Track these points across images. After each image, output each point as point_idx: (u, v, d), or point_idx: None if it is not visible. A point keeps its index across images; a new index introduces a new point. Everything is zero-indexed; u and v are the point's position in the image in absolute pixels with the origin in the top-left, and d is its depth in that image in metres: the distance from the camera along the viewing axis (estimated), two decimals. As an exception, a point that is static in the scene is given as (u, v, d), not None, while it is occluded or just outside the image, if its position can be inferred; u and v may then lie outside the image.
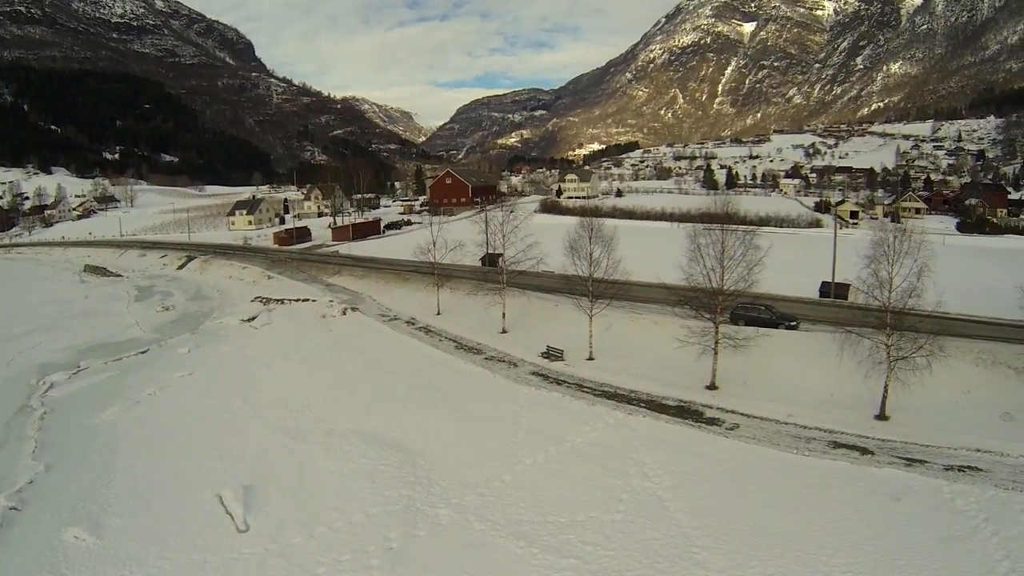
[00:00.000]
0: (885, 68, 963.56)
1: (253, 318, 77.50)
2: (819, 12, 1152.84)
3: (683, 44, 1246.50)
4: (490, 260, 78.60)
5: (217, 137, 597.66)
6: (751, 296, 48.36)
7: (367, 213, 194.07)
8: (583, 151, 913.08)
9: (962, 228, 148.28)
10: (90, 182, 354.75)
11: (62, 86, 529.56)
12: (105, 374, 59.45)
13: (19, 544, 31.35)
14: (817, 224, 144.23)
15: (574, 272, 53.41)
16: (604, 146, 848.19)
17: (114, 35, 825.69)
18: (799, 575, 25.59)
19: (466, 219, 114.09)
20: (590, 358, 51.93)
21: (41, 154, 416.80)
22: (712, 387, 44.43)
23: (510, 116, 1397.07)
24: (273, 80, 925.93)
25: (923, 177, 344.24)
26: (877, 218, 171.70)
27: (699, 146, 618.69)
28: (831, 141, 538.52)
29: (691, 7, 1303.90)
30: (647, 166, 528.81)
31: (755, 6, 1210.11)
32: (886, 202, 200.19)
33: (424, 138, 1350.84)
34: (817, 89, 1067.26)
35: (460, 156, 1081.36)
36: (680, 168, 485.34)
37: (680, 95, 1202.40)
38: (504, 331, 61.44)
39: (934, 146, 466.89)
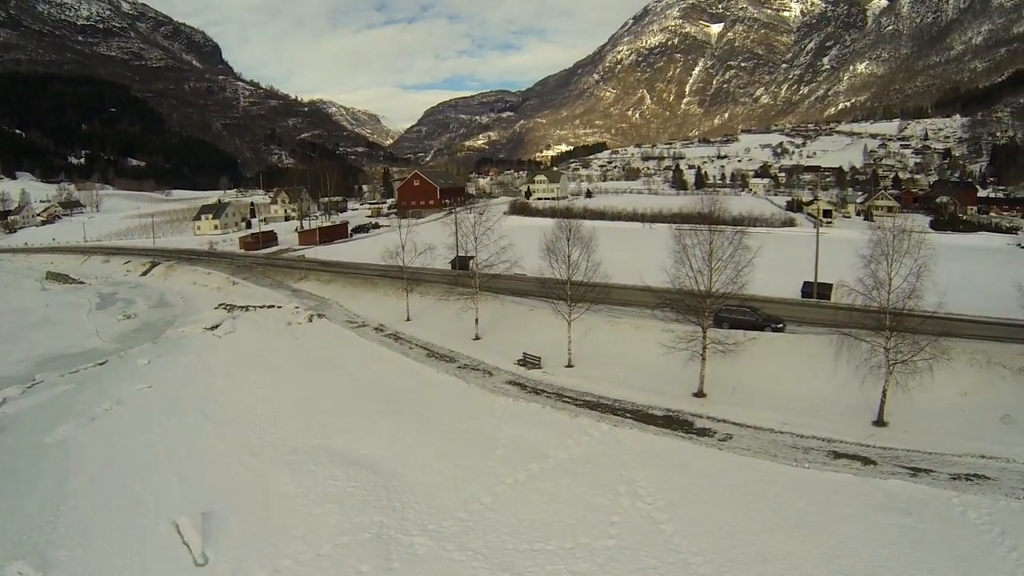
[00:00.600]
0: (852, 68, 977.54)
1: (216, 326, 74.88)
2: (786, 13, 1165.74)
3: (650, 45, 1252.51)
4: (461, 263, 76.43)
5: (184, 141, 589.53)
6: (738, 298, 46.44)
7: (334, 216, 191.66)
8: (551, 152, 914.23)
9: (936, 226, 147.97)
10: (55, 187, 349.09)
11: (27, 89, 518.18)
12: (61, 388, 56.29)
13: (-48, 584, 28.43)
14: (791, 223, 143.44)
15: (551, 275, 51.29)
16: (572, 147, 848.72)
17: (79, 38, 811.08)
18: (812, 606, 23.66)
19: (436, 221, 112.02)
20: (569, 365, 49.83)
21: (5, 159, 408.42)
22: (700, 394, 42.60)
23: (477, 118, 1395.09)
24: (240, 83, 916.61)
25: (891, 175, 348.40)
26: (850, 217, 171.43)
27: (667, 146, 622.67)
28: (799, 140, 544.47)
29: (658, 8, 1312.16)
30: (615, 167, 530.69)
31: (722, 7, 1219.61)
32: (858, 200, 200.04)
33: (392, 141, 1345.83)
34: (784, 89, 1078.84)
35: (428, 159, 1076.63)
36: (648, 168, 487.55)
37: (648, 96, 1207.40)
38: (477, 337, 59.29)
39: (901, 145, 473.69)
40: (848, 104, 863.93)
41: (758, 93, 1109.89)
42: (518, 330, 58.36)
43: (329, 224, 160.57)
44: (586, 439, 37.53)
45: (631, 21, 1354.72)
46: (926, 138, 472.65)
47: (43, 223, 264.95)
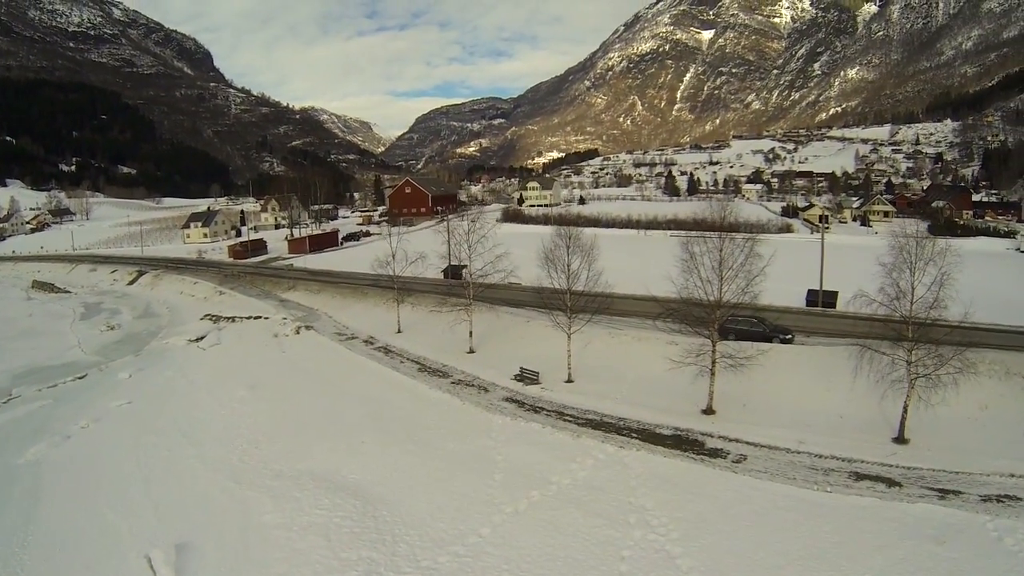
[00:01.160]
0: (842, 74, 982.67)
1: (201, 338, 73.10)
2: (777, 20, 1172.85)
3: (642, 52, 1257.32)
4: (453, 272, 74.32)
5: (175, 148, 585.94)
6: (745, 308, 44.15)
7: (325, 224, 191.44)
8: (542, 159, 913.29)
9: (933, 231, 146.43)
10: (45, 194, 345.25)
11: (17, 96, 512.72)
12: (37, 403, 54.31)
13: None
14: (788, 229, 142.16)
15: (549, 285, 49.02)
16: (563, 154, 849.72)
17: (71, 44, 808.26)
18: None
19: (427, 229, 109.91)
20: (569, 380, 47.46)
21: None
22: (709, 411, 40.36)
23: (469, 125, 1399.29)
24: (232, 90, 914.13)
25: (884, 180, 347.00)
26: (846, 222, 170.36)
27: (659, 153, 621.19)
28: (790, 146, 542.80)
29: (649, 15, 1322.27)
30: (607, 173, 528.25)
31: (713, 14, 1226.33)
32: (855, 206, 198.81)
33: (383, 148, 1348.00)
34: (775, 95, 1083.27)
35: (419, 166, 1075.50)
36: (640, 175, 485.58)
37: (639, 102, 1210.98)
38: (471, 351, 56.95)
39: (892, 149, 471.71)
40: (839, 109, 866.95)
41: (749, 99, 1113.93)
42: (514, 343, 56.17)
43: (319, 232, 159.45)
44: (590, 462, 35.15)
45: (622, 28, 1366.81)
46: (917, 143, 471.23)
47: (32, 231, 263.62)
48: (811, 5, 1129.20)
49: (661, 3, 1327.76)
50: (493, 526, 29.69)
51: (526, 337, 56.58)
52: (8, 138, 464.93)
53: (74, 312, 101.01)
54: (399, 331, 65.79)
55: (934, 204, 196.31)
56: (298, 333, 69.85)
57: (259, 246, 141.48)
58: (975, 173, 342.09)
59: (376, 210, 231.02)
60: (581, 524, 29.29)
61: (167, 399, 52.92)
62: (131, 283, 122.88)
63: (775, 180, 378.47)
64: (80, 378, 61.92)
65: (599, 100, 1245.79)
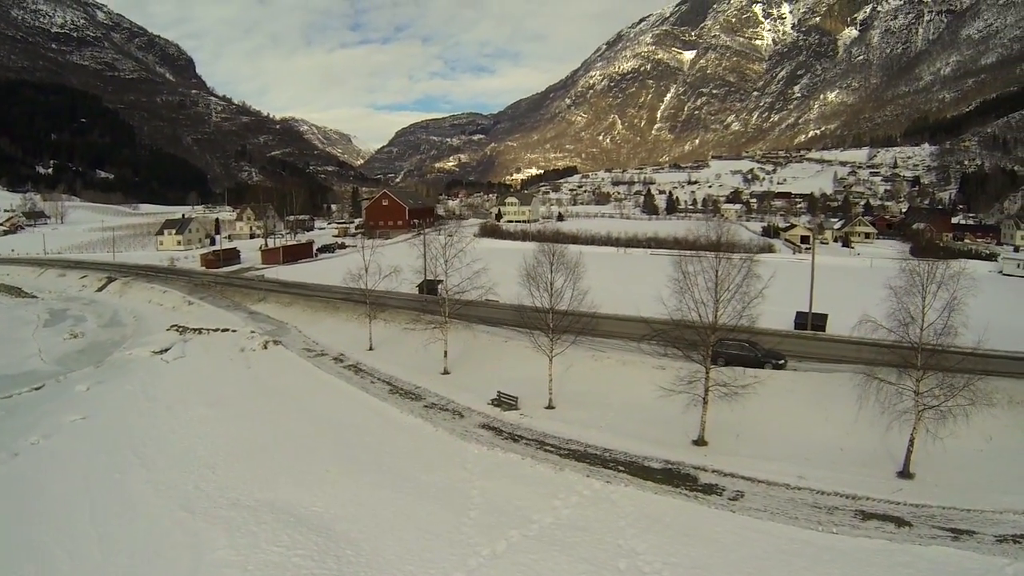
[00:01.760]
0: (822, 97, 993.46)
1: (166, 350, 70.62)
2: (758, 42, 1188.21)
3: (623, 71, 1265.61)
4: (429, 288, 71.81)
5: (154, 154, 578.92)
6: (744, 332, 41.82)
7: (300, 235, 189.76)
8: (521, 176, 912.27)
9: (915, 253, 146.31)
10: (20, 196, 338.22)
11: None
12: (-12, 416, 51.14)
13: None
14: (770, 249, 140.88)
15: (530, 303, 46.62)
16: (542, 171, 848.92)
17: (53, 45, 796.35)
18: None
19: (403, 243, 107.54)
20: (549, 406, 44.90)
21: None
22: (701, 442, 37.94)
23: (448, 140, 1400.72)
24: (213, 98, 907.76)
25: (862, 202, 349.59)
26: (827, 243, 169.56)
27: (637, 171, 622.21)
28: (769, 167, 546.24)
29: (632, 35, 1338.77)
30: (585, 191, 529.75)
31: (695, 35, 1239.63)
32: (835, 227, 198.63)
33: (362, 161, 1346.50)
34: (755, 116, 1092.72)
35: (398, 180, 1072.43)
36: (619, 193, 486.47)
37: (619, 121, 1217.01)
38: (446, 372, 54.43)
39: (871, 172, 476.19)
40: (818, 132, 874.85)
41: (729, 120, 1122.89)
42: (491, 364, 53.79)
43: (294, 243, 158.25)
44: (575, 498, 32.44)
45: (604, 46, 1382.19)
46: (895, 166, 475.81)
47: (5, 233, 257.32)
48: (792, 28, 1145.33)
49: (644, 23, 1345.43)
50: (468, 570, 26.90)
51: (504, 358, 54.24)
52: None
53: (38, 318, 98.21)
54: (371, 348, 63.43)
55: (914, 226, 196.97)
56: (265, 348, 67.38)
57: (232, 255, 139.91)
58: (952, 196, 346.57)
59: (353, 222, 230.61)
60: (565, 570, 26.57)
61: (124, 416, 50.08)
62: (100, 290, 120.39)
63: (754, 200, 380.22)
64: (36, 389, 59.27)
65: (579, 118, 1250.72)
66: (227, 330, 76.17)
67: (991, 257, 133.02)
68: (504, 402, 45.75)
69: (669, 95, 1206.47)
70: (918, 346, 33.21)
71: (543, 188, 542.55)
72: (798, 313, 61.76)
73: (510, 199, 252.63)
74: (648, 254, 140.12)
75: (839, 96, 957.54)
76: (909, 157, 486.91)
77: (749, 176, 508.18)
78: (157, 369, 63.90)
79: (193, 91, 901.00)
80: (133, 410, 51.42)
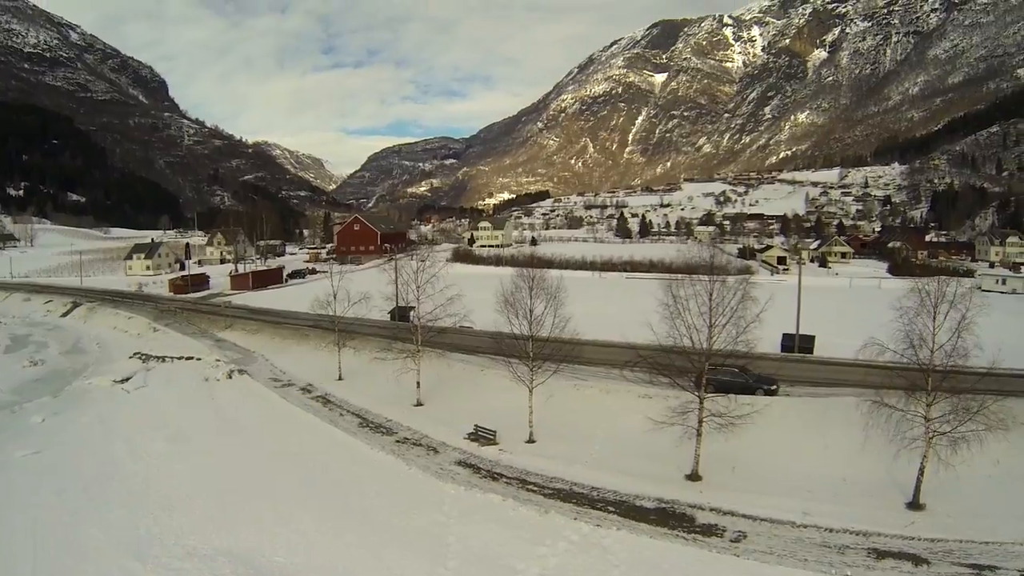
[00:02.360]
0: (792, 118, 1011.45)
1: (128, 379, 68.04)
2: (729, 64, 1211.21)
3: (594, 94, 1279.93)
4: (401, 314, 69.32)
5: (126, 177, 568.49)
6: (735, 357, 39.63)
7: (271, 260, 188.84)
8: (493, 200, 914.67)
9: (893, 271, 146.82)
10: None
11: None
12: (-64, 451, 48.01)
13: None
14: (747, 271, 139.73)
15: (508, 330, 44.25)
16: (514, 195, 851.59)
17: (25, 65, 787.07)
18: None
19: (374, 268, 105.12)
20: (530, 440, 42.41)
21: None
22: (694, 477, 35.62)
23: (421, 165, 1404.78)
24: (185, 121, 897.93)
25: (835, 222, 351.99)
26: (804, 263, 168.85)
27: (610, 195, 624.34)
28: (741, 189, 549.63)
29: (603, 58, 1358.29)
30: (557, 215, 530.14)
31: (666, 58, 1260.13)
32: (812, 247, 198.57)
33: (335, 186, 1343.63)
34: (726, 138, 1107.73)
35: (370, 204, 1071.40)
36: (591, 217, 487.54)
37: (591, 144, 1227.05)
38: (419, 403, 51.84)
39: (842, 192, 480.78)
40: (789, 153, 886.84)
41: (700, 142, 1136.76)
42: (467, 395, 51.35)
43: (263, 268, 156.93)
44: (562, 545, 29.76)
45: (576, 70, 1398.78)
46: (866, 185, 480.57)
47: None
48: (762, 51, 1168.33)
49: (615, 46, 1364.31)
50: (446, 632, 24.23)
51: (480, 388, 51.86)
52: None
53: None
54: (340, 378, 61.28)
55: (890, 245, 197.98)
56: (230, 378, 65.19)
57: (201, 281, 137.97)
58: (924, 215, 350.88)
59: (324, 247, 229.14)
60: (555, 630, 24.02)
61: (80, 450, 46.96)
62: (64, 315, 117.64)
63: (727, 222, 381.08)
64: (-11, 420, 56.25)
65: (551, 142, 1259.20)
66: (192, 358, 74.03)
67: (969, 274, 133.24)
68: (482, 436, 43.23)
69: (641, 118, 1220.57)
70: (928, 367, 31.34)
71: (515, 213, 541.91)
72: (784, 335, 59.69)
73: (483, 223, 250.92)
74: (624, 277, 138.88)
75: (809, 117, 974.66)
76: (880, 176, 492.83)
77: (721, 198, 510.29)
78: (117, 400, 61.19)
79: (166, 114, 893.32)
80: (89, 444, 48.47)
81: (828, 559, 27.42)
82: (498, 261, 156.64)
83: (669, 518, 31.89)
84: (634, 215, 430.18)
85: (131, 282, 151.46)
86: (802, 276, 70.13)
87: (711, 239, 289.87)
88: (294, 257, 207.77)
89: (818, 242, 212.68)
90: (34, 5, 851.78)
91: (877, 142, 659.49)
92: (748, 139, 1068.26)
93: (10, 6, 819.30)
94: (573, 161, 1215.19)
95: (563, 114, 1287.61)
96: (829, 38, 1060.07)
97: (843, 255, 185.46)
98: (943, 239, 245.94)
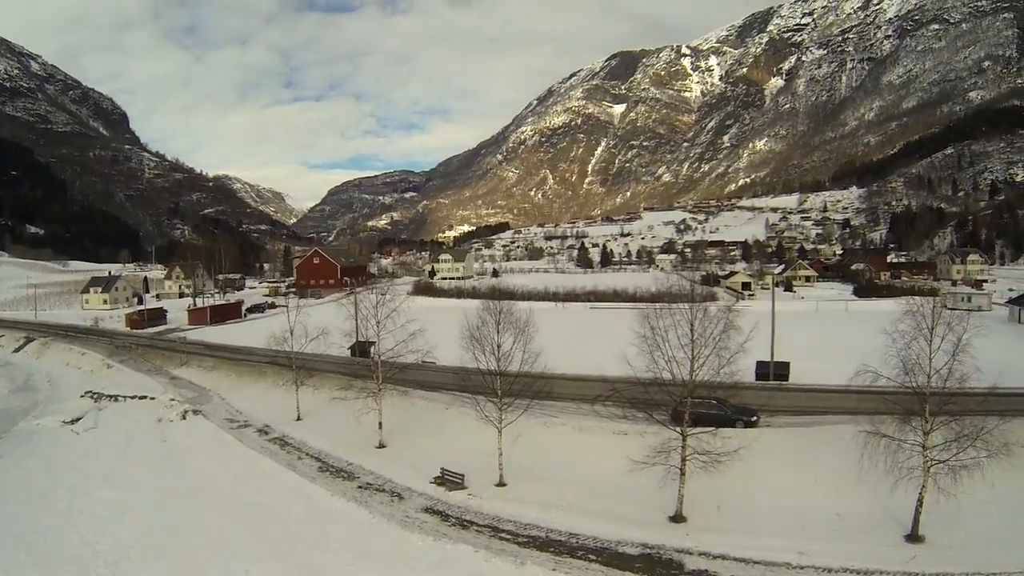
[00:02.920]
0: (751, 145, 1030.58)
1: (77, 419, 65.23)
2: (687, 94, 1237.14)
3: (554, 125, 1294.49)
4: (361, 350, 67.04)
5: (86, 210, 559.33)
6: (711, 387, 37.76)
7: (230, 294, 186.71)
8: (453, 233, 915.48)
9: (859, 293, 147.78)
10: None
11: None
12: None
13: None
14: (712, 298, 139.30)
15: (473, 365, 41.84)
16: (474, 227, 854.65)
17: None
18: None
19: (335, 302, 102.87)
20: (500, 484, 40.04)
21: None
22: (678, 519, 33.61)
23: (381, 198, 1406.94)
24: (146, 154, 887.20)
25: (796, 247, 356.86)
26: (769, 288, 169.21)
27: (570, 225, 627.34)
28: (701, 217, 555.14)
29: (562, 89, 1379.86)
30: (518, 246, 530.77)
31: (625, 88, 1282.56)
32: (776, 272, 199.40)
33: (295, 219, 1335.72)
34: (686, 167, 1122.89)
35: (331, 238, 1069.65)
36: (552, 248, 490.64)
37: (550, 175, 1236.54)
38: (381, 445, 49.39)
39: (801, 217, 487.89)
40: (748, 180, 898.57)
41: (660, 171, 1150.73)
42: (431, 435, 49.03)
43: (222, 303, 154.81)
44: (542, 601, 27.56)
45: (535, 102, 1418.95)
46: (825, 210, 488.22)
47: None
48: (720, 80, 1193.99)
49: (574, 78, 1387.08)
50: None
51: (445, 428, 49.68)
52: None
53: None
54: (299, 418, 58.55)
55: (853, 267, 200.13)
56: (184, 418, 62.29)
57: (158, 315, 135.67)
58: (883, 236, 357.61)
59: (284, 281, 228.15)
60: None
61: (20, 499, 43.70)
62: (16, 351, 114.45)
63: (688, 250, 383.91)
64: (-74, 466, 52.91)
65: (511, 174, 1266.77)
66: (145, 397, 71.04)
67: (933, 292, 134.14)
68: (449, 480, 40.84)
69: (600, 148, 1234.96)
70: (925, 391, 30.06)
71: (476, 245, 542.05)
72: (759, 363, 58.22)
73: (444, 256, 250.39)
74: (588, 308, 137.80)
75: (767, 144, 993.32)
76: (838, 200, 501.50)
77: (682, 226, 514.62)
78: (65, 442, 58.03)
79: (127, 146, 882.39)
80: (31, 492, 45.14)
81: (831, 605, 25.62)
82: (460, 293, 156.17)
83: (656, 565, 29.79)
84: (595, 245, 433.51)
85: (87, 316, 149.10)
86: (769, 301, 69.45)
87: (673, 267, 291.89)
88: (254, 291, 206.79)
89: (782, 266, 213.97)
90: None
91: (835, 167, 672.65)
92: (707, 167, 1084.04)
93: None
94: (533, 192, 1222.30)
95: (522, 146, 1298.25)
96: (786, 66, 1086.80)
97: (807, 279, 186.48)
98: (903, 260, 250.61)
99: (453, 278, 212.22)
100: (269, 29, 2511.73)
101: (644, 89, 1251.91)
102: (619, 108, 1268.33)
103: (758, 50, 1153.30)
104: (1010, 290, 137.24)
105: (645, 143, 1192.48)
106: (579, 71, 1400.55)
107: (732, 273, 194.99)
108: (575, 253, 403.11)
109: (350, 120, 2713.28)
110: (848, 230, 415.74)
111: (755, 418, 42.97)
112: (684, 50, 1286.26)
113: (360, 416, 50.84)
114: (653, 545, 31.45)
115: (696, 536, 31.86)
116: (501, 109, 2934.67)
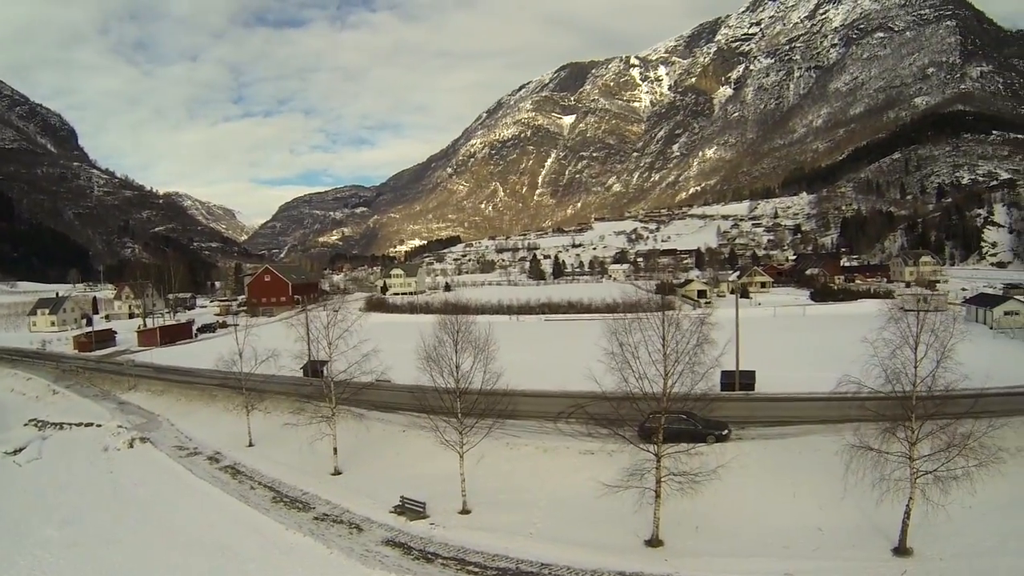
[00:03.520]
0: (701, 154, 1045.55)
1: (20, 449, 63.16)
2: (636, 104, 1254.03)
3: (504, 138, 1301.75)
4: (314, 369, 64.53)
5: (34, 229, 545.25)
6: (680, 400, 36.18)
7: (180, 314, 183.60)
8: (404, 247, 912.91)
9: (816, 297, 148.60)
10: None
11: None
12: None
13: None
14: (669, 307, 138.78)
15: (433, 384, 39.82)
16: (426, 241, 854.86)
17: None
18: None
19: (286, 320, 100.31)
20: (464, 511, 37.99)
21: None
22: (655, 543, 31.99)
23: (331, 214, 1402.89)
24: (96, 171, 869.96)
25: (748, 253, 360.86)
26: (724, 295, 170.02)
27: (521, 237, 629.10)
28: (652, 226, 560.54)
29: (512, 102, 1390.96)
30: (469, 260, 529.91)
31: (574, 100, 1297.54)
32: (731, 278, 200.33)
33: (246, 236, 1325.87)
34: (636, 177, 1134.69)
35: (282, 255, 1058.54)
36: (504, 260, 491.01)
37: (501, 188, 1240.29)
38: (337, 471, 47.18)
39: (753, 224, 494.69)
40: (699, 188, 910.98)
41: (610, 182, 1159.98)
42: (389, 460, 47.06)
43: (172, 323, 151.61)
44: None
45: (485, 115, 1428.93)
46: (776, 216, 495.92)
47: None
48: (669, 89, 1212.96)
49: (523, 90, 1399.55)
50: None
51: (403, 452, 47.58)
52: None
53: None
54: (251, 444, 56.42)
55: (808, 272, 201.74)
56: (131, 447, 59.86)
57: (106, 337, 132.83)
58: (834, 241, 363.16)
59: (235, 299, 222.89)
60: None
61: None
62: None
63: (640, 259, 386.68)
64: None
65: (461, 187, 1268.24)
66: (92, 424, 68.55)
67: (889, 295, 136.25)
68: (409, 509, 38.67)
69: (550, 160, 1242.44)
70: (911, 395, 29.03)
71: (427, 259, 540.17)
72: (723, 372, 56.26)
73: (395, 271, 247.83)
74: (543, 320, 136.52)
75: (717, 152, 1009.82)
76: (789, 207, 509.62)
77: (633, 236, 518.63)
78: (6, 474, 55.96)
79: (75, 163, 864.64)
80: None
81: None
82: (412, 309, 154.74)
83: (636, 596, 27.98)
84: (546, 256, 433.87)
85: (34, 339, 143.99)
86: (727, 308, 68.60)
87: (626, 277, 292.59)
88: (205, 310, 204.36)
89: (737, 273, 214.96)
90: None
91: (784, 173, 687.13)
92: (657, 176, 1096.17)
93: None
94: (483, 205, 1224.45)
95: (472, 159, 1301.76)
96: (734, 75, 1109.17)
97: (763, 285, 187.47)
98: (856, 263, 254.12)
99: (405, 293, 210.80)
100: (219, 45, 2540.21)
101: (593, 100, 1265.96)
102: (568, 119, 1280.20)
103: (706, 60, 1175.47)
104: (963, 289, 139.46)
105: (595, 154, 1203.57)
106: (528, 83, 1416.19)
107: (688, 281, 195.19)
108: (527, 265, 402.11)
109: (300, 136, 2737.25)
110: (799, 235, 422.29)
111: (726, 431, 41.58)
112: (633, 61, 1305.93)
113: (314, 441, 48.53)
114: (631, 573, 29.67)
115: (676, 561, 30.28)
116: (451, 123, 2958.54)
